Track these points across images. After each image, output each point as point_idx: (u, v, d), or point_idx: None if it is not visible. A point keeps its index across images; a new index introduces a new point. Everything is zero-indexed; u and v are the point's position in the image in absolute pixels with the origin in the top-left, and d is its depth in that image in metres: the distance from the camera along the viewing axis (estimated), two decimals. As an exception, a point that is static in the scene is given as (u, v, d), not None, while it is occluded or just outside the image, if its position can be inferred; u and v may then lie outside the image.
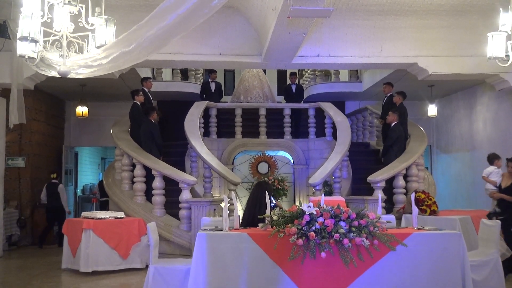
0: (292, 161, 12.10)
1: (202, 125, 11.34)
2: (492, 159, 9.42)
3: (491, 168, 9.37)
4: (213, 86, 13.05)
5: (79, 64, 5.36)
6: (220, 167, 9.46)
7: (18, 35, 5.21)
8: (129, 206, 9.08)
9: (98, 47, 5.26)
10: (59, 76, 5.82)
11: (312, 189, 9.50)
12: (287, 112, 12.10)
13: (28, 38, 5.10)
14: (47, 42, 5.51)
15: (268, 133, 12.04)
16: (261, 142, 11.95)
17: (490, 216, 7.07)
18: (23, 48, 5.30)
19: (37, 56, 5.45)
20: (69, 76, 5.65)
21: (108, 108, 13.20)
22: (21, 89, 8.43)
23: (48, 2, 5.21)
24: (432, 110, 12.58)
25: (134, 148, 9.46)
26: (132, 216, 8.63)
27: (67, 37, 5.35)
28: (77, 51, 5.51)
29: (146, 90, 10.49)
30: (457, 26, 8.95)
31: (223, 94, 13.66)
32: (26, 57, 5.40)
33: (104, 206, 11.07)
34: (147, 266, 7.44)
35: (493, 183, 8.98)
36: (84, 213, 8.14)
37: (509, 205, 7.15)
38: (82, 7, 5.30)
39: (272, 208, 5.59)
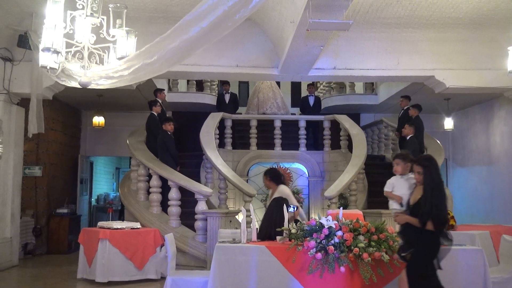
0: (307, 173, 12.06)
1: (217, 136, 11.37)
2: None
3: (394, 178, 6.19)
4: (227, 98, 13.12)
5: (100, 75, 5.40)
6: (235, 179, 9.45)
7: (41, 46, 5.27)
8: (144, 216, 9.09)
9: (119, 59, 5.29)
10: (79, 87, 5.87)
11: (327, 201, 9.44)
12: (302, 124, 12.10)
13: (50, 49, 5.15)
14: (69, 53, 5.56)
15: (283, 145, 12.03)
16: (276, 154, 11.94)
17: (399, 254, 4.61)
18: (45, 59, 5.35)
19: (59, 67, 5.50)
20: (89, 87, 5.70)
21: (123, 118, 13.30)
22: (40, 99, 8.53)
23: (71, 14, 5.27)
24: (448, 123, 12.49)
25: (150, 158, 9.49)
26: (148, 226, 8.63)
27: (88, 48, 5.41)
28: (98, 62, 5.56)
29: (160, 101, 10.55)
30: (475, 39, 8.91)
31: (239, 105, 13.71)
32: (48, 67, 5.44)
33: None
34: (162, 278, 7.48)
35: (397, 199, 5.99)
36: (100, 223, 8.17)
37: (417, 233, 4.48)
38: (103, 19, 5.35)
39: (291, 214, 5.54)
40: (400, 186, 5.92)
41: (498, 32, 8.60)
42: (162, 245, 7.73)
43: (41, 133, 9.06)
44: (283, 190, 6.57)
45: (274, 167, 7.03)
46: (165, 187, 9.19)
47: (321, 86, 15.93)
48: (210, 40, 4.80)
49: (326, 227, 4.81)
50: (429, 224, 4.36)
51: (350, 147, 11.37)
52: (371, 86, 13.89)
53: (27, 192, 10.72)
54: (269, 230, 5.44)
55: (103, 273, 7.38)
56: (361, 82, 13.84)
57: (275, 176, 6.84)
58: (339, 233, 4.76)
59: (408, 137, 9.85)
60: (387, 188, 6.17)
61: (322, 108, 13.72)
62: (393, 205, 6.07)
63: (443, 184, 4.54)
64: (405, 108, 10.81)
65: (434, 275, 4.46)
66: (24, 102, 9.15)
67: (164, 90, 11.00)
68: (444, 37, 8.87)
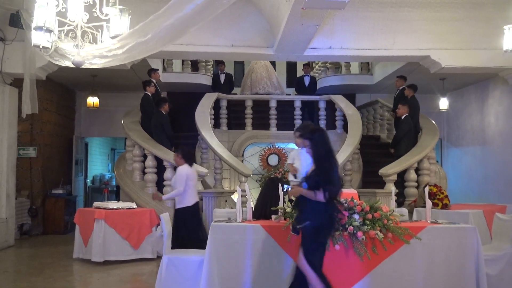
0: (302, 153, 12.07)
1: (213, 116, 11.34)
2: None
3: (296, 151, 6.31)
4: (222, 78, 13.07)
5: (94, 55, 5.36)
6: (231, 159, 9.47)
7: (33, 25, 5.21)
8: (140, 196, 9.11)
9: (112, 38, 5.24)
10: (73, 66, 5.82)
11: (323, 181, 9.48)
12: (297, 104, 12.07)
13: (43, 27, 5.09)
14: (62, 32, 5.50)
15: (279, 125, 12.02)
16: (271, 134, 11.94)
17: (293, 226, 4.55)
18: (37, 38, 5.30)
19: (52, 46, 5.45)
20: (83, 67, 5.65)
21: (118, 99, 13.22)
22: (34, 79, 8.45)
23: (63, -8, 5.20)
24: (443, 103, 12.49)
25: (145, 139, 9.48)
26: (143, 206, 8.66)
27: (81, 27, 5.34)
28: (91, 41, 5.51)
29: (154, 81, 10.49)
30: (471, 19, 8.88)
31: (234, 86, 13.65)
32: (41, 47, 5.39)
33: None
34: (158, 257, 7.53)
35: (291, 170, 6.08)
36: (96, 203, 8.18)
37: (310, 205, 4.39)
38: (96, -3, 5.29)
39: (285, 192, 5.57)
40: (302, 159, 5.88)
41: (494, 11, 8.56)
42: (158, 225, 7.76)
43: (35, 114, 9.01)
44: (179, 171, 6.73)
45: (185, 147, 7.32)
46: (160, 168, 9.19)
47: (317, 66, 15.86)
48: (204, 18, 4.76)
49: (321, 206, 4.82)
50: (319, 195, 4.30)
51: (345, 127, 11.37)
52: (366, 66, 13.85)
53: (22, 173, 10.70)
54: (264, 209, 5.46)
55: (99, 252, 7.42)
56: (356, 62, 13.78)
57: (186, 155, 6.95)
58: (334, 212, 4.77)
59: (402, 117, 9.86)
60: (288, 160, 6.37)
61: (317, 88, 13.68)
62: (290, 177, 6.19)
63: (330, 154, 4.43)
64: (401, 88, 10.79)
65: (323, 247, 4.47)
66: (17, 82, 9.07)
67: (158, 70, 10.93)
68: (440, 16, 8.83)
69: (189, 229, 6.62)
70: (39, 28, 5.12)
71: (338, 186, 4.44)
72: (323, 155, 4.40)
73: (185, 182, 6.61)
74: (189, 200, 6.72)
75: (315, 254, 4.37)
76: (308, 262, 4.33)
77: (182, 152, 6.94)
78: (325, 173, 4.34)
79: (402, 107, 9.89)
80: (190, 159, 6.94)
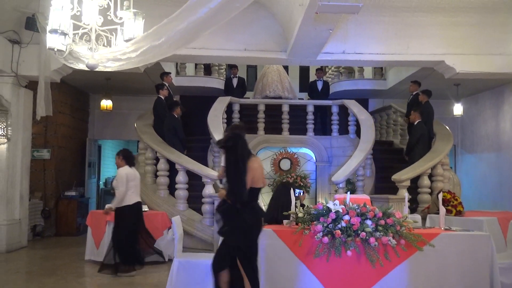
0: (314, 158, 12.04)
1: (225, 120, 11.35)
2: None
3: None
4: (235, 82, 13.08)
5: (108, 58, 5.39)
6: (242, 163, 9.44)
7: (48, 28, 5.26)
8: (152, 199, 9.13)
9: (126, 41, 5.27)
10: (87, 69, 5.87)
11: (335, 186, 9.44)
12: (310, 108, 12.04)
13: (58, 31, 5.14)
14: (76, 35, 5.55)
15: (291, 130, 11.99)
16: (283, 138, 11.91)
17: (218, 230, 4.70)
18: (52, 41, 5.34)
19: (66, 49, 5.49)
20: (97, 69, 5.69)
21: (131, 102, 13.30)
22: (48, 82, 8.53)
23: (78, -4, 5.25)
24: (457, 109, 12.37)
25: (158, 142, 9.51)
26: (155, 209, 8.68)
27: (95, 30, 5.39)
28: (106, 44, 5.54)
29: (167, 84, 10.53)
30: (486, 24, 8.80)
31: (246, 90, 13.66)
32: (56, 50, 5.43)
33: None
34: (169, 260, 7.53)
35: (218, 175, 6.37)
36: (108, 205, 8.20)
37: (229, 210, 4.55)
38: (111, 1, 5.33)
39: (297, 198, 5.56)
40: None
41: (509, 16, 8.48)
42: (169, 228, 7.77)
43: (49, 116, 9.09)
44: (119, 172, 6.99)
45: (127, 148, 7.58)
46: (172, 171, 9.22)
47: (330, 71, 15.83)
48: (218, 22, 4.76)
49: (333, 211, 4.80)
50: (232, 200, 4.47)
51: (358, 133, 11.31)
52: (380, 71, 13.78)
53: (36, 174, 10.79)
54: (276, 214, 5.43)
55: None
56: (370, 67, 13.73)
57: (127, 157, 7.18)
58: (346, 217, 4.75)
59: (415, 122, 9.79)
60: (222, 163, 6.37)
61: (330, 93, 13.64)
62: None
63: (239, 161, 4.47)
64: (414, 93, 10.72)
65: (254, 255, 4.55)
66: (32, 85, 9.17)
67: (170, 73, 10.97)
68: (455, 21, 8.75)
69: (129, 228, 6.94)
70: (54, 31, 5.17)
71: (239, 191, 4.45)
72: (231, 161, 4.50)
73: (126, 183, 6.88)
74: (129, 199, 6.96)
75: (242, 261, 4.49)
76: (242, 265, 4.46)
77: (123, 154, 7.18)
78: (229, 178, 4.48)
79: (414, 113, 9.84)
80: (130, 161, 7.18)
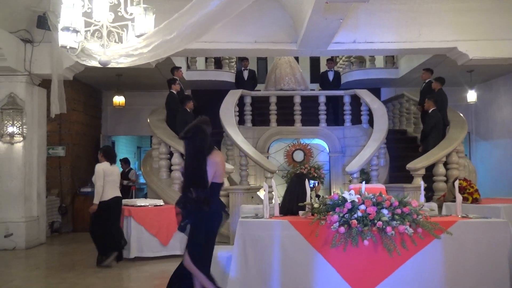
0: (327, 149, 12.02)
1: (237, 113, 11.36)
2: None
3: None
4: (245, 74, 13.08)
5: (120, 54, 5.42)
6: (256, 155, 9.48)
7: (60, 26, 5.30)
8: (167, 193, 9.20)
9: (137, 36, 5.29)
10: (99, 66, 5.90)
11: (349, 177, 9.42)
12: (322, 99, 12.01)
13: (70, 28, 5.17)
14: (88, 32, 5.58)
15: (303, 121, 11.98)
16: (296, 130, 11.91)
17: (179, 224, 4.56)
18: (64, 39, 5.39)
19: (78, 46, 5.53)
20: (109, 66, 5.72)
21: (143, 98, 13.37)
22: (61, 79, 8.59)
23: (88, -7, 5.27)
24: (471, 96, 12.26)
25: (171, 136, 9.56)
26: (170, 203, 8.71)
27: (107, 27, 5.41)
28: (117, 40, 5.57)
29: (178, 79, 10.55)
30: (499, 9, 8.69)
31: (257, 82, 13.64)
32: (68, 47, 5.48)
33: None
34: (186, 253, 7.57)
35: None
36: (123, 201, 8.27)
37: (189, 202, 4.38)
38: (121, -3, 5.34)
39: (312, 189, 5.55)
40: None
41: (523, 0, 8.35)
42: (185, 222, 7.80)
43: (63, 114, 9.16)
44: (96, 168, 7.25)
45: (110, 145, 7.76)
46: (186, 165, 9.24)
47: (341, 61, 15.75)
48: (228, 14, 4.76)
49: (349, 201, 4.78)
50: (189, 195, 4.28)
51: (371, 122, 11.27)
52: (391, 60, 13.68)
53: (52, 172, 10.91)
54: (291, 205, 5.43)
55: (129, 249, 7.51)
56: (381, 56, 13.63)
57: (107, 154, 7.42)
58: (362, 207, 4.73)
59: (430, 110, 9.72)
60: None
61: (342, 83, 13.59)
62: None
63: (197, 153, 4.34)
64: (427, 81, 10.64)
65: (209, 245, 4.46)
66: (45, 83, 9.25)
67: (181, 68, 10.99)
68: (467, 7, 8.65)
69: (105, 222, 7.19)
70: (66, 28, 5.20)
71: (203, 187, 4.29)
72: (189, 153, 4.38)
73: (103, 178, 7.14)
74: (106, 194, 7.21)
75: (198, 252, 4.37)
76: (194, 261, 4.35)
77: (104, 151, 7.48)
78: (191, 172, 4.30)
79: (428, 101, 9.76)
80: (110, 158, 7.40)
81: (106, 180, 7.18)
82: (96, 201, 7.22)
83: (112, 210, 7.32)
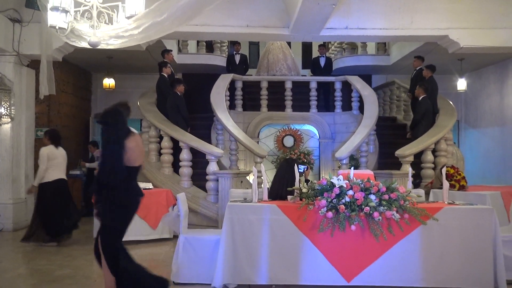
0: (317, 135, 12.05)
1: (228, 97, 11.33)
2: None
3: None
4: (237, 58, 13.02)
5: (110, 35, 5.37)
6: (246, 140, 9.47)
7: (49, 6, 5.23)
8: (156, 177, 9.18)
9: (128, 18, 5.24)
10: (89, 47, 5.85)
11: (338, 163, 9.46)
12: (313, 85, 12.00)
13: (59, 8, 5.11)
14: (77, 13, 5.52)
15: (294, 107, 11.98)
16: (286, 115, 11.91)
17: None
18: (54, 19, 5.33)
19: (68, 27, 5.47)
20: (99, 47, 5.67)
21: (134, 81, 13.26)
22: (50, 60, 8.49)
23: (78, -28, 5.20)
24: (461, 84, 12.31)
25: (161, 120, 9.52)
26: (160, 187, 8.73)
27: (97, 8, 5.36)
28: (107, 21, 5.52)
29: (168, 62, 10.47)
30: (491, -3, 8.69)
31: (249, 67, 13.59)
32: (57, 27, 5.42)
33: None
34: (175, 236, 7.60)
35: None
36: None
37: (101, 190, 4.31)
38: (112, -23, 5.29)
39: (301, 174, 5.56)
40: None
41: (515, -11, 8.37)
42: (174, 205, 7.81)
43: (52, 96, 9.08)
44: (41, 151, 7.48)
45: (55, 128, 7.91)
46: (176, 148, 9.24)
47: (333, 47, 15.72)
48: (220, -3, 4.71)
49: (337, 186, 4.83)
50: (105, 179, 4.21)
51: (361, 109, 11.29)
52: (383, 47, 13.68)
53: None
54: (280, 190, 5.46)
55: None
56: (373, 43, 13.62)
57: (52, 137, 7.66)
58: (350, 192, 4.78)
59: (420, 98, 9.75)
60: None
61: (333, 69, 13.57)
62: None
63: (117, 138, 4.19)
64: (418, 68, 10.65)
65: (120, 237, 4.38)
66: (34, 63, 9.14)
67: (171, 51, 10.91)
68: (460, -6, 8.66)
69: (51, 203, 7.41)
70: (55, 8, 5.15)
71: (120, 173, 4.18)
72: (105, 140, 4.29)
73: (46, 161, 7.37)
74: (50, 176, 7.44)
75: (110, 239, 4.30)
76: (105, 248, 4.29)
77: (49, 134, 7.70)
78: (109, 156, 4.22)
79: (419, 88, 9.78)
80: (56, 141, 7.63)
81: (50, 163, 7.40)
82: (36, 183, 7.45)
83: (57, 192, 7.50)
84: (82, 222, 9.79)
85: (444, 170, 5.88)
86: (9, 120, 8.79)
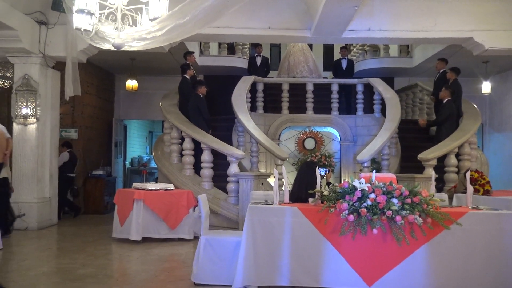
0: (339, 137, 11.99)
1: (249, 99, 11.35)
2: None
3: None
4: (258, 61, 13.04)
5: (133, 37, 5.42)
6: (267, 142, 9.47)
7: (75, 8, 5.30)
8: (177, 178, 9.25)
9: (151, 20, 5.28)
10: (113, 49, 5.91)
11: (359, 166, 9.39)
12: (335, 87, 11.95)
13: (84, 10, 5.18)
14: (102, 15, 5.58)
15: (315, 109, 11.94)
16: (307, 117, 11.88)
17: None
18: (79, 21, 5.39)
19: (93, 29, 5.53)
20: (123, 49, 5.73)
21: (156, 82, 13.39)
22: (75, 62, 8.63)
23: (103, -25, 5.26)
24: (486, 87, 12.13)
25: (183, 121, 9.58)
26: (181, 188, 8.78)
27: (121, 10, 5.41)
28: (131, 24, 5.57)
29: (191, 64, 10.54)
30: (517, -1, 8.54)
31: (270, 69, 13.60)
32: (82, 30, 5.49)
33: None
34: (195, 237, 7.65)
35: None
36: (135, 184, 8.35)
37: None
38: (136, -20, 5.33)
39: (322, 176, 5.53)
40: None
41: (541, -10, 8.21)
42: (195, 206, 7.87)
43: (76, 97, 9.21)
44: None
45: None
46: (197, 150, 9.29)
47: (354, 49, 15.63)
48: (242, -1, 4.73)
49: (359, 189, 4.78)
50: None
51: (383, 111, 11.20)
52: (406, 49, 13.56)
53: (64, 154, 10.97)
54: (300, 192, 5.44)
55: (138, 231, 7.57)
56: (396, 45, 13.51)
57: None
58: (372, 195, 4.73)
59: (445, 101, 9.63)
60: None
61: (355, 71, 13.50)
62: None
63: None
64: (441, 71, 10.53)
65: None
66: (59, 65, 9.30)
67: (193, 53, 10.98)
68: (484, -4, 8.53)
69: None
70: (80, 11, 5.20)
71: None
72: None
73: None
74: None
75: None
76: None
77: None
78: None
79: (445, 90, 9.65)
80: None
81: None
82: None
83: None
84: (102, 221, 9.98)
85: (468, 174, 5.79)
86: (35, 120, 8.95)
